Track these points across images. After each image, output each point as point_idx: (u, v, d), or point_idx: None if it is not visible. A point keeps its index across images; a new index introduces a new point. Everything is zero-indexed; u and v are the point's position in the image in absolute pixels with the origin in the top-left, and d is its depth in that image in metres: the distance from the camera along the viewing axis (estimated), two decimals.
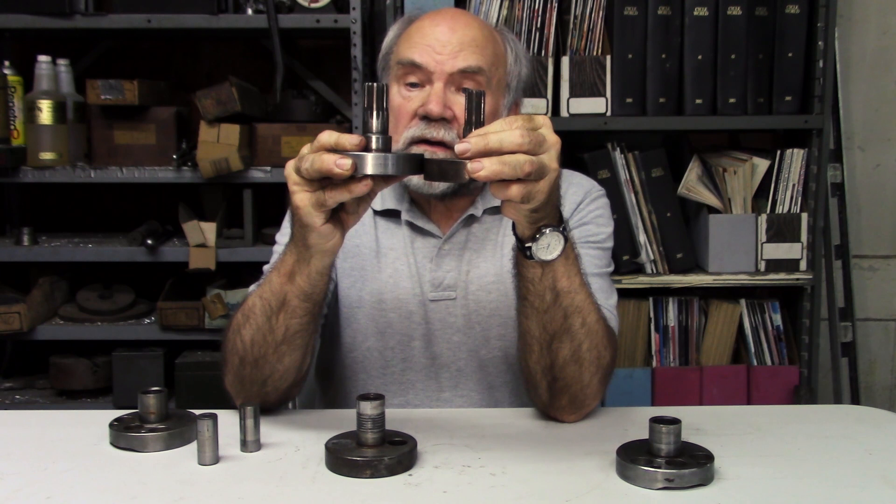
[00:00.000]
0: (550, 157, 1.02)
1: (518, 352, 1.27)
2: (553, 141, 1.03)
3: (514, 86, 1.44)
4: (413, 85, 1.37)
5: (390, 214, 1.46)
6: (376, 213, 1.47)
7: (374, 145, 1.05)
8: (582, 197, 1.46)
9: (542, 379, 1.23)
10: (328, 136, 1.05)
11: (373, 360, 1.43)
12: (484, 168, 0.98)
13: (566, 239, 1.11)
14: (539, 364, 1.22)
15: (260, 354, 1.22)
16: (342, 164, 1.01)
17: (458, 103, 1.34)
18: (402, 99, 1.37)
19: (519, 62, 1.44)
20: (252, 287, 1.33)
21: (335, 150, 1.03)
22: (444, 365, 1.42)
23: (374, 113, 1.06)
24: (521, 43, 1.47)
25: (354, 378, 1.46)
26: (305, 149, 1.07)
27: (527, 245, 1.10)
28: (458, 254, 1.43)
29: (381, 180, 1.08)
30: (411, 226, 1.45)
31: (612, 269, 1.46)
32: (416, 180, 1.39)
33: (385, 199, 1.46)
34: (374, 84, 1.06)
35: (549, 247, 1.10)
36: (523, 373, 1.27)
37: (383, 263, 1.44)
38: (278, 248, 1.42)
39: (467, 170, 0.99)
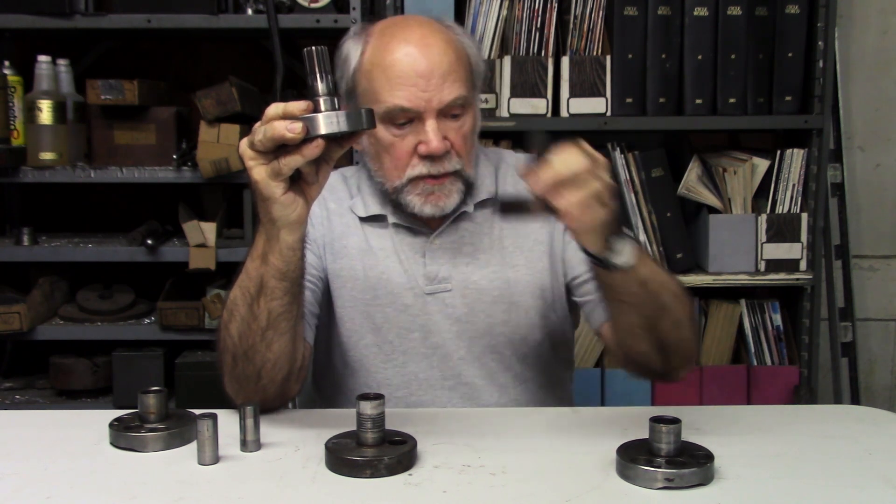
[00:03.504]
0: (605, 173, 1.08)
1: (622, 346, 1.34)
2: (602, 159, 1.10)
3: (479, 84, 1.43)
4: (401, 123, 1.35)
5: (376, 219, 1.46)
6: (362, 219, 1.46)
7: (323, 108, 1.07)
8: None
9: (656, 355, 1.29)
10: (275, 108, 1.07)
11: (372, 357, 1.44)
12: (566, 200, 1.05)
13: (631, 238, 1.17)
14: (648, 345, 1.28)
15: (249, 345, 1.22)
16: (293, 128, 1.05)
17: (451, 130, 1.35)
18: (394, 137, 1.35)
19: (478, 57, 1.43)
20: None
21: (285, 118, 1.06)
22: (445, 355, 1.43)
23: (319, 76, 1.08)
24: (473, 35, 1.49)
25: (355, 376, 1.46)
26: (258, 125, 1.09)
27: (603, 258, 1.15)
28: (451, 248, 1.44)
29: (335, 143, 1.11)
30: (398, 227, 1.44)
31: None
32: (417, 203, 1.38)
33: (368, 205, 1.45)
34: (314, 48, 1.07)
35: (623, 252, 1.15)
36: (633, 358, 1.34)
37: (374, 262, 1.44)
38: None
39: (552, 206, 1.06)
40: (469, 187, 1.40)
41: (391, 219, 1.44)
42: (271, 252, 1.17)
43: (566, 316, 1.49)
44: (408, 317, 1.42)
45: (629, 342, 1.30)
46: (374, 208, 1.45)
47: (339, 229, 1.46)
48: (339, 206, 1.47)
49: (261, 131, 1.07)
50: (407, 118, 1.34)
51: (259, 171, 1.09)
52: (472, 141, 1.40)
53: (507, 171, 1.48)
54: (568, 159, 1.05)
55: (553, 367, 1.51)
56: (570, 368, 1.58)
